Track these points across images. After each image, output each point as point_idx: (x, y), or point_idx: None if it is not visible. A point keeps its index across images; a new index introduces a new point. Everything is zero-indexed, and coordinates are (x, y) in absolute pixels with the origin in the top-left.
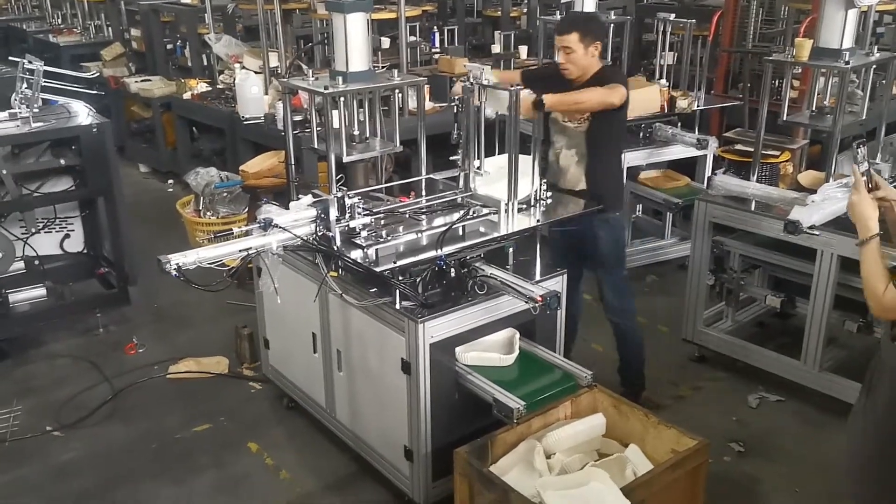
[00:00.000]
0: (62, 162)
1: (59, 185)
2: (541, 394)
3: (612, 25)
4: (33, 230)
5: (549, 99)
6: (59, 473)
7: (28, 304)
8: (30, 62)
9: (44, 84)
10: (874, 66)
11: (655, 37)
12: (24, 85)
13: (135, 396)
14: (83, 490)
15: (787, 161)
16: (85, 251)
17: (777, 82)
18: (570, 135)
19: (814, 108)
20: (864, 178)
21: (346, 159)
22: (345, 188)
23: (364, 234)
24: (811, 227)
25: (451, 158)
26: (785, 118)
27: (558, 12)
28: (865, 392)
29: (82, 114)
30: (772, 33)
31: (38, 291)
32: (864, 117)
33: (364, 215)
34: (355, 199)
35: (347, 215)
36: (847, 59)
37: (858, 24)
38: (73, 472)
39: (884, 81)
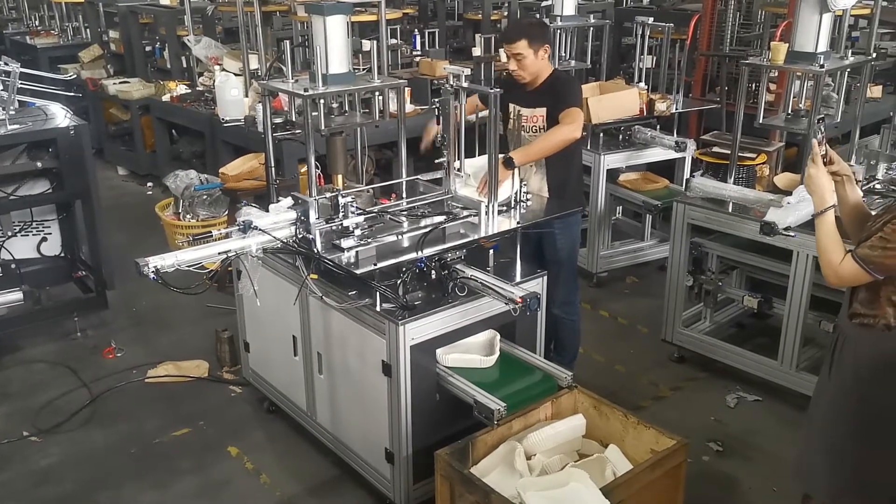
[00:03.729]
0: (39, 164)
1: (36, 187)
2: (521, 395)
3: (591, 29)
4: (9, 233)
5: (517, 156)
6: (38, 479)
7: (4, 308)
8: (6, 64)
9: (20, 86)
10: (849, 70)
11: (634, 40)
12: (0, 87)
13: (113, 401)
14: (64, 495)
15: (763, 163)
16: (62, 255)
17: (753, 86)
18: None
19: (789, 111)
20: (822, 152)
21: (324, 131)
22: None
23: (358, 232)
24: (787, 229)
25: (436, 161)
26: (761, 121)
27: (538, 16)
28: (829, 367)
29: (59, 116)
30: (748, 37)
31: (15, 295)
32: (838, 120)
33: (357, 214)
34: (348, 199)
35: (341, 214)
36: (822, 63)
37: (833, 28)
38: (52, 477)
39: (858, 85)
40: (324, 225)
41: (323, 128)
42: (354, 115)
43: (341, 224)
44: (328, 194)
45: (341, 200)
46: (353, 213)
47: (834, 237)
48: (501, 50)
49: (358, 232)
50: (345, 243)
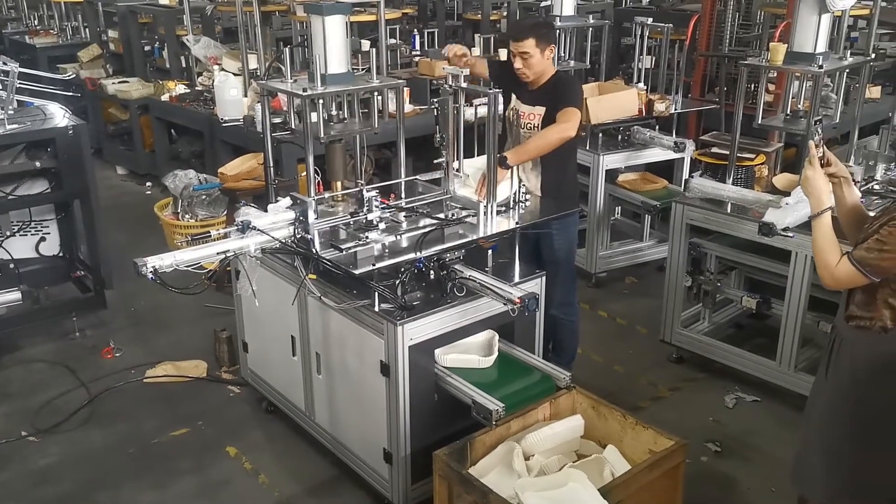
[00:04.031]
0: (37, 164)
1: (35, 187)
2: (520, 395)
3: (590, 29)
4: (8, 233)
5: (511, 156)
6: (37, 479)
7: (3, 308)
8: (5, 63)
9: (19, 86)
10: (847, 70)
11: (633, 41)
12: None
13: (112, 401)
14: (63, 495)
15: (762, 164)
16: (61, 254)
17: (752, 86)
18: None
19: (788, 112)
20: (819, 154)
21: (323, 138)
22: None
23: (382, 226)
24: (785, 229)
25: (435, 161)
26: (760, 122)
27: (537, 15)
28: (825, 369)
29: (58, 116)
30: (747, 38)
31: (13, 295)
32: (837, 120)
33: (381, 208)
34: (373, 193)
35: (365, 208)
36: (821, 64)
37: (832, 29)
38: (51, 477)
39: (857, 85)
40: (348, 219)
41: (322, 135)
42: (354, 122)
43: (366, 217)
44: (327, 194)
45: (366, 194)
46: (377, 206)
47: (830, 239)
48: (502, 50)
49: (382, 225)
50: (371, 236)
